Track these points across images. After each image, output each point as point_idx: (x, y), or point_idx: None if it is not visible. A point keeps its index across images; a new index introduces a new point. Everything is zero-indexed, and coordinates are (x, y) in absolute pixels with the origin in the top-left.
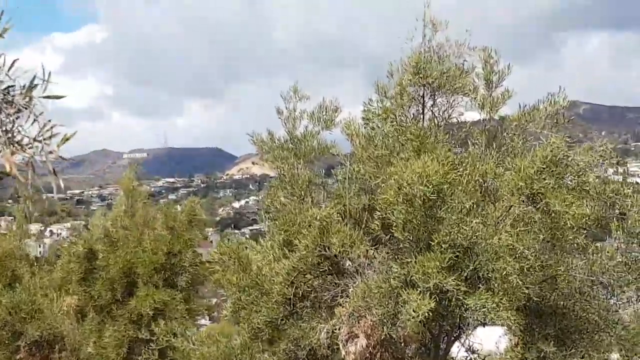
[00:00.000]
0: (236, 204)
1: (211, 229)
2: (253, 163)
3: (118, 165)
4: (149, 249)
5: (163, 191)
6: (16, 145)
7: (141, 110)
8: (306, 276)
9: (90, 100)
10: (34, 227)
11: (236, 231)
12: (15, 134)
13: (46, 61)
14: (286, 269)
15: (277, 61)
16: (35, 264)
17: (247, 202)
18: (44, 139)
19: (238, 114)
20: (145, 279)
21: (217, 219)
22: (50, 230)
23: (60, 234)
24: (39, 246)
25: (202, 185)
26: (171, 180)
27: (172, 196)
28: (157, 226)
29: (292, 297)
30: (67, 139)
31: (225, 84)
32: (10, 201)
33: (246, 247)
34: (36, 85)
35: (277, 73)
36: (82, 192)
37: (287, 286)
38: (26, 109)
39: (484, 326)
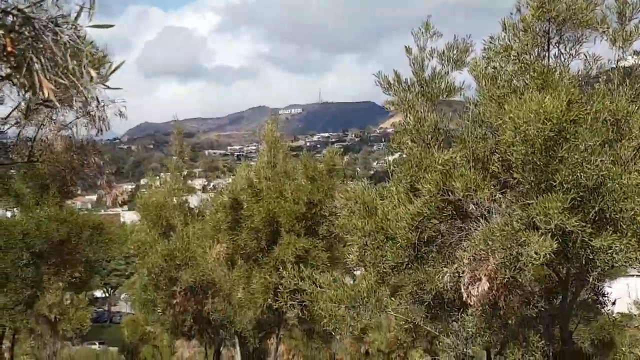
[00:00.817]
0: (390, 157)
1: (364, 180)
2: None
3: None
4: (290, 199)
5: (318, 145)
6: (60, 73)
7: (295, 67)
8: (431, 221)
9: (247, 60)
10: (198, 182)
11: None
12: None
13: (204, 21)
14: (410, 214)
15: (431, 14)
16: (189, 214)
17: (401, 155)
18: (89, 68)
19: (391, 67)
20: (288, 228)
21: (371, 172)
22: (214, 185)
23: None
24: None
25: (355, 139)
26: (325, 134)
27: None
28: (297, 176)
29: (416, 241)
30: (117, 68)
31: (377, 39)
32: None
33: (372, 192)
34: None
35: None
36: (242, 148)
37: (411, 231)
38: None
39: (612, 268)
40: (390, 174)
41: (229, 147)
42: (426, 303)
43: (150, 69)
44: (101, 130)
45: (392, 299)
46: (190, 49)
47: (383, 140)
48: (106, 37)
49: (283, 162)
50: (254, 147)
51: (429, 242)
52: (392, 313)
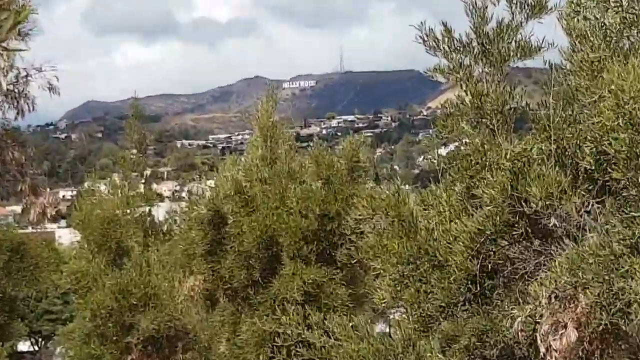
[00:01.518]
0: (443, 150)
1: (406, 186)
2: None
3: (272, 98)
4: (295, 210)
5: (339, 133)
6: None
7: (308, 21)
8: (496, 242)
9: (239, 10)
10: (166, 187)
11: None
12: None
13: None
14: (468, 232)
15: None
16: (151, 232)
17: (457, 147)
18: None
19: (442, 19)
20: (292, 252)
21: (415, 171)
22: (188, 191)
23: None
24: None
25: (393, 123)
26: (349, 118)
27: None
28: (306, 178)
29: (476, 272)
30: (21, 19)
31: None
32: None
33: (412, 201)
34: None
35: None
36: (229, 138)
37: (468, 256)
38: None
39: None
40: (440, 175)
41: (210, 136)
42: None
43: (100, 23)
44: (22, 111)
45: (440, 355)
46: None
47: (432, 125)
48: None
49: (286, 157)
50: (246, 136)
51: (493, 273)
52: None
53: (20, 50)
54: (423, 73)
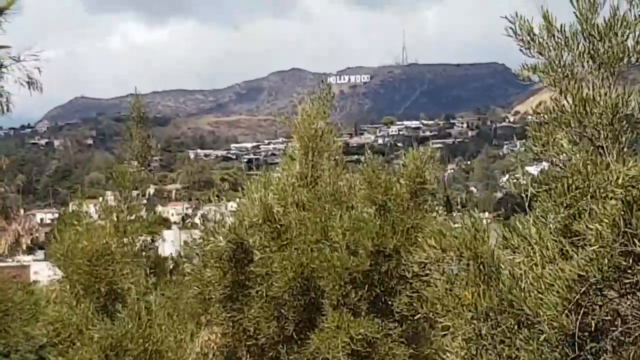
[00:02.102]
0: (534, 169)
1: (486, 214)
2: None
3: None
4: (341, 245)
5: (398, 144)
6: None
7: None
8: (602, 292)
9: None
10: (174, 210)
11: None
12: None
13: None
14: (565, 279)
15: None
16: (152, 270)
17: (550, 166)
18: None
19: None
20: (336, 299)
21: (498, 195)
22: (202, 216)
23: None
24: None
25: (469, 132)
26: (413, 124)
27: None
28: (356, 203)
29: (575, 330)
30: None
31: None
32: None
33: (484, 236)
34: None
35: None
36: (258, 147)
37: (566, 310)
38: None
39: None
40: (528, 202)
41: (233, 145)
42: None
43: None
44: None
45: None
46: None
47: (522, 136)
48: None
49: (331, 175)
50: (280, 146)
51: (597, 333)
52: None
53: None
54: (512, 71)
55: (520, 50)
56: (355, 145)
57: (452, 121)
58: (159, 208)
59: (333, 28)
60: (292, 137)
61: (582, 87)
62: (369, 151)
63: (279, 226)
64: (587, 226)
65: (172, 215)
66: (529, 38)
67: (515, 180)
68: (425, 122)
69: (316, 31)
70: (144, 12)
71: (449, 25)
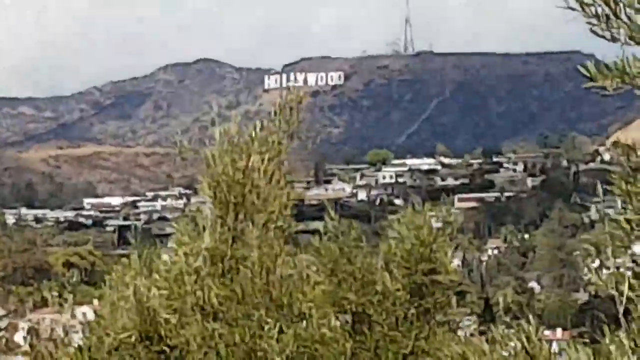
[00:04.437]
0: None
1: (559, 333)
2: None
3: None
4: None
5: (396, 200)
6: None
7: None
8: None
9: None
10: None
11: None
12: None
13: None
14: None
15: None
16: None
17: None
18: None
19: None
20: None
21: (580, 297)
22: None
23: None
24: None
25: (525, 177)
26: (425, 162)
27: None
28: (310, 311)
29: None
30: None
31: None
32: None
33: None
34: None
35: None
36: (134, 203)
37: None
38: None
39: None
40: (623, 311)
41: (88, 201)
42: None
43: None
44: None
45: None
46: None
47: (603, 177)
48: None
49: (273, 256)
50: (176, 202)
51: None
52: None
53: None
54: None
55: (592, 31)
56: (314, 202)
57: (495, 159)
58: None
59: None
60: (198, 185)
61: None
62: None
63: (165, 350)
64: None
65: None
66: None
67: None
68: (445, 159)
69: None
70: None
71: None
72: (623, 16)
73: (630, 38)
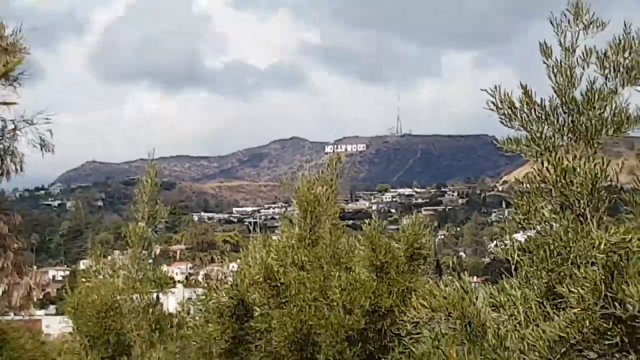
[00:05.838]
0: (521, 235)
1: (474, 278)
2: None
3: (315, 164)
4: (338, 304)
5: (392, 210)
6: None
7: (362, 71)
8: (582, 353)
9: (279, 54)
10: (178, 269)
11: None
12: None
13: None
14: (547, 339)
15: None
16: (157, 325)
17: (537, 233)
18: None
19: (526, 75)
20: (331, 355)
21: (486, 260)
22: (205, 275)
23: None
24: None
25: (459, 200)
26: (406, 191)
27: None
28: (354, 264)
29: None
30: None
31: (512, 24)
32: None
33: (472, 297)
34: None
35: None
36: (258, 210)
37: None
38: None
39: None
40: (513, 267)
41: (235, 209)
42: None
43: (109, 65)
44: (7, 172)
45: None
46: (184, 35)
47: (508, 204)
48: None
49: (331, 237)
50: (279, 210)
51: None
52: None
53: (10, 104)
54: (494, 143)
55: (502, 122)
56: (350, 210)
57: (443, 189)
58: (164, 267)
59: (332, 99)
60: (291, 201)
61: (562, 158)
62: (375, 214)
63: (278, 284)
64: (569, 290)
65: (177, 274)
66: (510, 112)
67: (502, 247)
68: (418, 189)
69: (317, 102)
70: (159, 81)
71: (442, 98)
72: (518, 115)
73: (522, 126)
